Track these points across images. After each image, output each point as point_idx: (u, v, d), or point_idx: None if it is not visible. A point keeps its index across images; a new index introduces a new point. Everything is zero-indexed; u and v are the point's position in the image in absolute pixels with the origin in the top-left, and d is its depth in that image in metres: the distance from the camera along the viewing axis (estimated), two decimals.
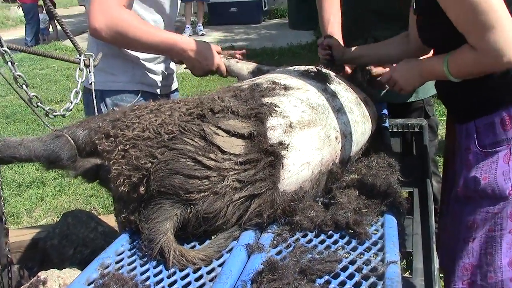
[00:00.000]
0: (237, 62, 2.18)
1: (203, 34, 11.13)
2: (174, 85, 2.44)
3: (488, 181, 1.79)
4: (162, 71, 2.27)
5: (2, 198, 2.35)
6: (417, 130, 2.50)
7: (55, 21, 13.15)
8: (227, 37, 11.08)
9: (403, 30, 2.17)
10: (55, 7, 13.29)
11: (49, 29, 13.44)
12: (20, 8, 13.15)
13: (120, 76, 2.12)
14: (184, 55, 2.03)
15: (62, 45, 11.09)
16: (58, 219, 3.82)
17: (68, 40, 1.95)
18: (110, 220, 3.01)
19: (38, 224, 3.79)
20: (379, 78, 2.12)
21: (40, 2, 12.25)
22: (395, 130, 2.50)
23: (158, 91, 2.26)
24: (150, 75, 2.21)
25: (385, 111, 2.43)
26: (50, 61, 7.29)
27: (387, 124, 2.27)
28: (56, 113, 1.73)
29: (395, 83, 1.94)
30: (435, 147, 2.71)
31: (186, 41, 2.02)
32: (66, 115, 1.77)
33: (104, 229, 2.86)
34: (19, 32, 13.96)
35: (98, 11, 1.87)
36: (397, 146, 2.54)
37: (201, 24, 11.42)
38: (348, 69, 2.38)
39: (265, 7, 13.16)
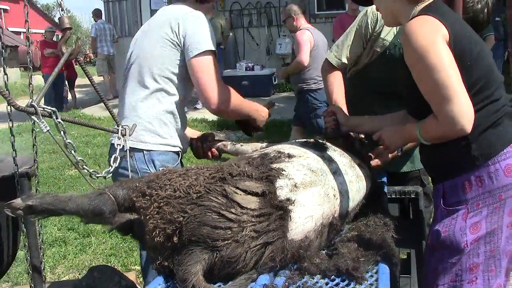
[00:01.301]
0: (241, 145, 2.58)
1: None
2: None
3: (448, 234, 1.99)
4: (186, 140, 2.66)
5: (42, 249, 2.63)
6: (413, 196, 2.73)
7: (74, 90, 13.69)
8: None
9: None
10: (76, 76, 13.89)
11: (68, 98, 13.78)
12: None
13: (168, 139, 2.48)
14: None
15: (80, 113, 11.50)
16: (79, 276, 4.06)
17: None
18: (130, 276, 3.24)
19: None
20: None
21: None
22: (393, 196, 2.73)
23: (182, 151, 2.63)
24: (183, 139, 2.59)
25: (385, 179, 2.66)
26: (70, 128, 7.66)
27: (385, 190, 2.50)
28: (98, 175, 2.03)
29: (383, 142, 2.21)
30: (430, 213, 2.90)
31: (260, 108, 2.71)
32: (106, 177, 2.07)
33: (127, 283, 3.07)
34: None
35: (213, 91, 2.37)
36: (395, 211, 2.77)
37: None
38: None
39: (275, 81, 13.60)
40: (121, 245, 4.65)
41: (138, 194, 1.65)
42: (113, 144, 2.44)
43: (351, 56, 2.90)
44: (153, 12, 15.35)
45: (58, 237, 4.86)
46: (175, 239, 1.52)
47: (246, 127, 2.75)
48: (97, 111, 11.42)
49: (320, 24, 13.60)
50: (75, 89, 14.14)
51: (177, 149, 2.53)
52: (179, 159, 2.57)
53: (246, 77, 12.69)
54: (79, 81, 14.77)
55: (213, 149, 2.72)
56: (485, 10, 2.89)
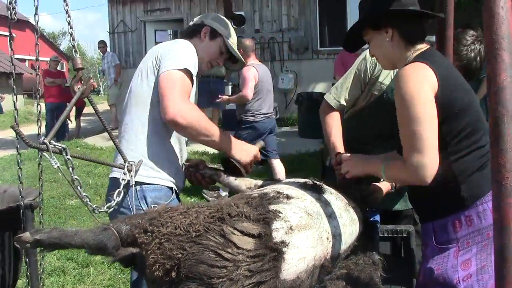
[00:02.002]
0: (235, 179, 2.57)
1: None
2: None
3: (440, 271, 2.11)
4: (182, 173, 2.68)
5: (41, 279, 2.70)
6: (405, 235, 2.81)
7: (80, 119, 13.74)
8: None
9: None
10: (84, 106, 14.00)
11: (69, 126, 13.83)
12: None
13: (162, 173, 2.49)
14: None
15: (83, 142, 11.59)
16: None
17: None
18: None
19: None
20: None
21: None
22: (386, 235, 2.80)
23: (178, 189, 2.63)
24: (178, 174, 2.60)
25: (378, 218, 2.73)
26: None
27: (378, 230, 2.59)
28: (101, 210, 2.12)
29: (343, 166, 2.39)
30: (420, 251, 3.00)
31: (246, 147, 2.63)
32: (108, 211, 2.15)
33: None
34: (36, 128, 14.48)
35: (173, 101, 2.29)
36: (387, 249, 2.86)
37: None
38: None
39: (276, 115, 13.76)
40: (119, 276, 4.69)
41: (141, 230, 1.73)
42: (114, 178, 2.50)
43: (350, 99, 2.98)
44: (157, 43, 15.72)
45: (57, 266, 4.89)
46: (173, 274, 1.60)
47: (230, 167, 2.63)
48: (99, 141, 11.52)
49: (322, 60, 13.87)
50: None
51: (170, 184, 2.53)
52: (173, 195, 2.55)
53: None
54: (85, 109, 14.90)
55: (206, 177, 2.68)
56: (478, 58, 3.02)
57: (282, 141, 11.87)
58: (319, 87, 13.60)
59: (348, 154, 2.45)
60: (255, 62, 6.82)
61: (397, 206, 3.12)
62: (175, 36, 15.84)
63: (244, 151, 2.57)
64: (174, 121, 2.30)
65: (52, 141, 1.86)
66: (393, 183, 2.67)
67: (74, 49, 2.06)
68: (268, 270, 1.62)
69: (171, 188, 2.55)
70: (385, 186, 2.64)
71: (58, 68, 13.88)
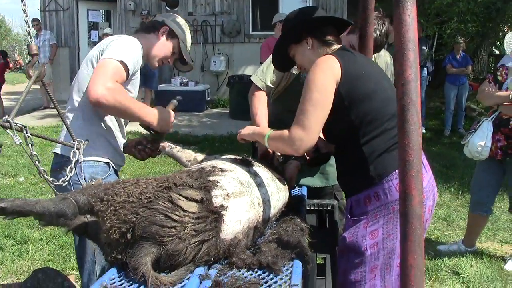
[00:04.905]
0: (178, 151, 2.85)
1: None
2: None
3: (352, 239, 2.40)
4: (120, 150, 2.89)
5: None
6: (330, 208, 3.11)
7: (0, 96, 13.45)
8: None
9: None
10: (3, 83, 13.71)
11: None
12: None
13: (99, 151, 2.69)
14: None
15: (14, 122, 11.33)
16: (18, 281, 4.24)
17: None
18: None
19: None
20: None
21: None
22: (312, 208, 3.09)
23: (116, 165, 2.84)
24: (116, 152, 2.82)
25: (305, 192, 3.04)
26: (4, 137, 7.73)
27: (305, 203, 2.88)
28: (56, 183, 2.33)
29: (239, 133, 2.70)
30: (343, 225, 3.22)
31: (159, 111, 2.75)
32: (63, 185, 2.36)
33: (69, 284, 3.33)
34: None
35: (100, 83, 2.43)
36: (313, 221, 3.13)
37: None
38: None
39: (208, 97, 13.96)
40: (58, 251, 4.84)
41: (97, 199, 1.95)
42: (57, 154, 2.69)
43: (276, 80, 3.24)
44: (90, 24, 15.52)
45: None
46: (128, 236, 1.84)
47: (148, 130, 2.84)
48: (30, 121, 11.37)
49: (253, 44, 14.17)
50: (2, 96, 13.88)
51: (107, 160, 2.72)
52: (110, 170, 2.74)
53: (180, 92, 12.89)
54: (8, 87, 14.55)
55: (153, 150, 2.92)
56: (378, 33, 3.29)
57: (214, 122, 12.12)
58: (250, 70, 13.88)
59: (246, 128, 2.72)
60: None
61: (318, 183, 3.45)
62: (107, 15, 15.68)
63: (162, 120, 2.75)
64: (97, 102, 2.43)
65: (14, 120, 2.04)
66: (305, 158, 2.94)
67: (29, 36, 2.24)
68: (210, 230, 1.90)
69: (108, 164, 2.75)
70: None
71: None
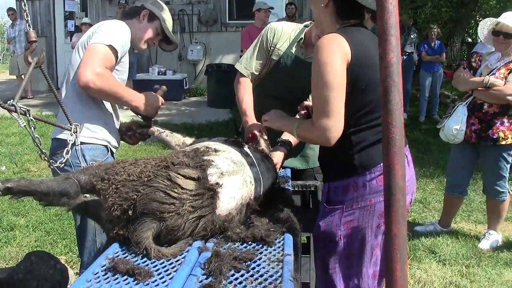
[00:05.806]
0: (166, 136, 2.94)
1: (127, 108, 11.65)
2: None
3: (326, 228, 2.40)
4: (116, 133, 3.01)
5: None
6: (313, 189, 3.21)
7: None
8: None
9: None
10: None
11: None
12: None
13: (98, 133, 2.82)
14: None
15: None
16: (7, 266, 4.31)
17: None
18: None
19: None
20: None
21: None
22: (296, 189, 3.19)
23: (113, 147, 2.97)
24: (112, 135, 2.94)
25: (289, 173, 3.14)
26: None
27: (290, 183, 2.96)
28: (55, 164, 2.43)
29: (265, 117, 2.69)
30: None
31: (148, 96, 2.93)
32: (61, 167, 2.46)
33: (61, 266, 3.42)
34: None
35: (88, 68, 2.55)
36: (298, 201, 3.24)
37: None
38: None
39: (186, 85, 14.00)
40: (45, 238, 4.91)
41: (98, 178, 2.05)
42: (56, 138, 2.80)
43: (260, 68, 3.33)
44: (66, 13, 15.38)
45: None
46: (130, 212, 1.95)
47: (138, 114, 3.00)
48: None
49: (230, 32, 14.26)
50: None
51: (105, 143, 2.86)
52: (108, 153, 2.88)
53: (158, 81, 12.93)
54: None
55: (143, 135, 3.05)
56: None
57: (192, 111, 12.17)
58: (227, 59, 14.00)
59: (274, 110, 2.70)
60: None
61: (298, 165, 3.56)
62: (83, 5, 15.55)
63: (149, 105, 2.93)
64: (85, 86, 2.57)
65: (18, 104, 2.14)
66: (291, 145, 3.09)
67: (27, 24, 2.32)
68: (207, 206, 2.01)
69: (106, 147, 2.88)
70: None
71: None
